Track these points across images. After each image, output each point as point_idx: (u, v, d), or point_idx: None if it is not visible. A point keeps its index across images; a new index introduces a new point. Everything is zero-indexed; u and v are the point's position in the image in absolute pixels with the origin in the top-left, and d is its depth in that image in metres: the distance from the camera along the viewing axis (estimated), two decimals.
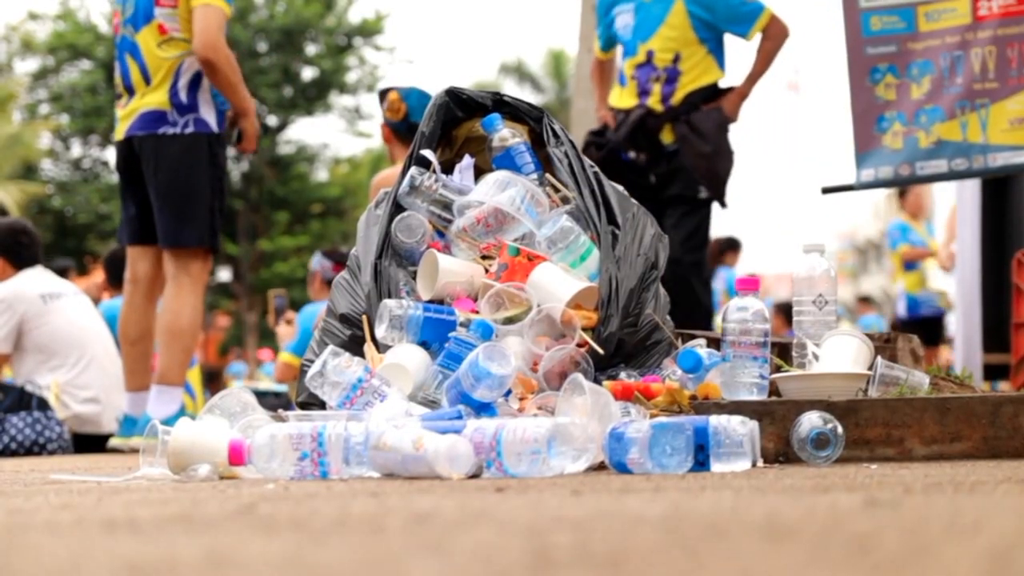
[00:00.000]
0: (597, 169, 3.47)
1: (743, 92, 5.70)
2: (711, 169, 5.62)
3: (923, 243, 9.94)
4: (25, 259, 6.31)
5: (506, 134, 3.46)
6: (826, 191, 5.34)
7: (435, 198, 3.39)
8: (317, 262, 8.49)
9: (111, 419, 5.98)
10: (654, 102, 5.67)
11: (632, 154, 5.71)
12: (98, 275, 8.14)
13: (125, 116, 5.45)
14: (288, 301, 8.32)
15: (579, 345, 3.06)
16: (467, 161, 3.52)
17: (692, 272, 5.65)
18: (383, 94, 5.57)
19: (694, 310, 5.52)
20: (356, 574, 1.17)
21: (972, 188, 6.46)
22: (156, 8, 5.31)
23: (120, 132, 5.49)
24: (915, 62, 4.77)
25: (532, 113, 3.55)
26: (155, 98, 5.35)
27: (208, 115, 5.35)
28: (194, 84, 5.33)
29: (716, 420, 2.54)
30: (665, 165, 5.68)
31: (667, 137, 5.66)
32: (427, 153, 3.46)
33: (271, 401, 7.83)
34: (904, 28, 4.79)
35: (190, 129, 5.32)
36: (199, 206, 5.34)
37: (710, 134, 5.62)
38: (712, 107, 5.65)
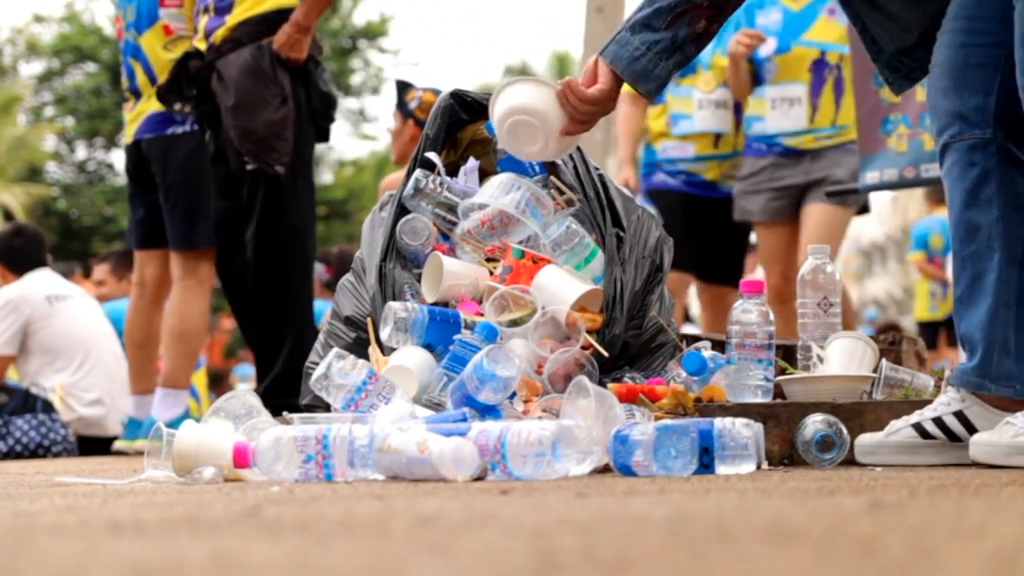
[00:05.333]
0: (602, 171, 3.47)
1: (298, 22, 4.60)
2: (240, 127, 4.59)
3: None
4: (23, 262, 6.31)
5: None
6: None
7: (440, 200, 3.39)
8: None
9: (116, 421, 5.99)
10: (199, 40, 4.74)
11: (177, 106, 4.84)
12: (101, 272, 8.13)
13: (133, 119, 5.46)
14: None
15: (584, 347, 3.06)
16: (471, 164, 3.52)
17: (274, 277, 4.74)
18: (406, 88, 5.56)
19: (277, 326, 4.79)
20: None
21: None
22: (161, 9, 5.31)
23: (128, 135, 5.50)
24: None
25: None
26: None
27: None
28: None
29: (721, 423, 2.54)
30: (218, 120, 4.77)
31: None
32: (432, 156, 3.46)
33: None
34: None
35: (198, 126, 5.33)
36: (208, 206, 5.35)
37: (233, 81, 4.58)
38: (264, 43, 4.65)
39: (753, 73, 5.50)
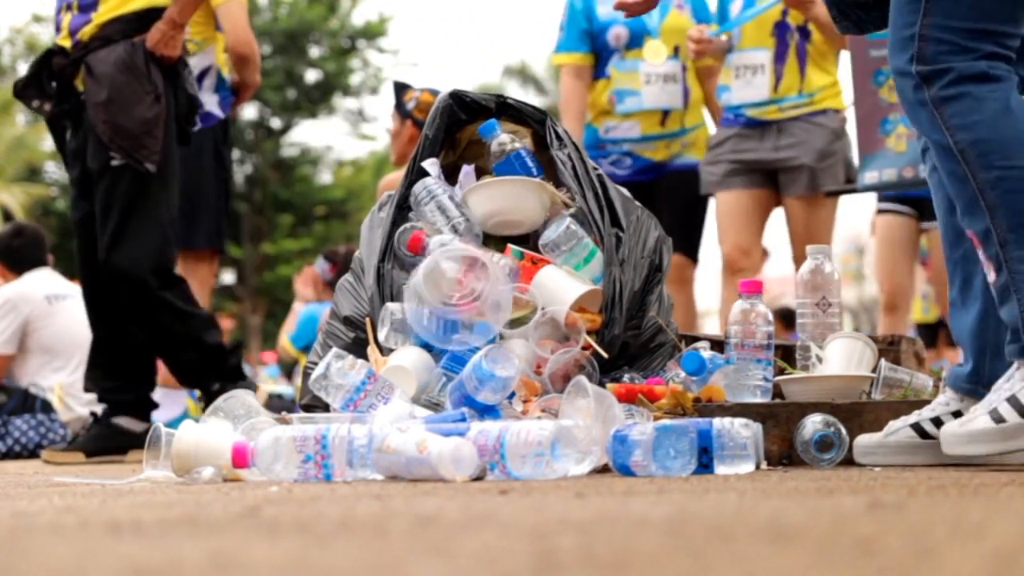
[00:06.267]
0: (601, 172, 3.47)
1: (172, 19, 4.54)
2: (111, 122, 4.47)
3: None
4: (23, 261, 6.31)
5: (505, 139, 3.46)
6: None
7: (437, 205, 3.38)
8: (318, 264, 8.53)
9: None
10: (63, 38, 4.64)
11: (36, 103, 4.68)
12: None
13: None
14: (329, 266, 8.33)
15: (583, 348, 3.06)
16: (466, 168, 3.52)
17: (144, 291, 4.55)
18: (403, 88, 5.55)
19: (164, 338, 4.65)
20: None
21: None
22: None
23: None
24: None
25: (535, 116, 3.55)
26: None
27: (212, 106, 5.35)
28: (198, 83, 5.33)
29: (720, 423, 2.54)
30: (80, 118, 4.63)
31: (81, 84, 4.61)
32: (428, 166, 3.45)
33: (275, 403, 7.84)
34: None
35: (197, 126, 5.33)
36: (207, 207, 5.35)
37: (106, 76, 4.50)
38: (137, 40, 4.55)
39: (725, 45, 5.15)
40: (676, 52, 5.36)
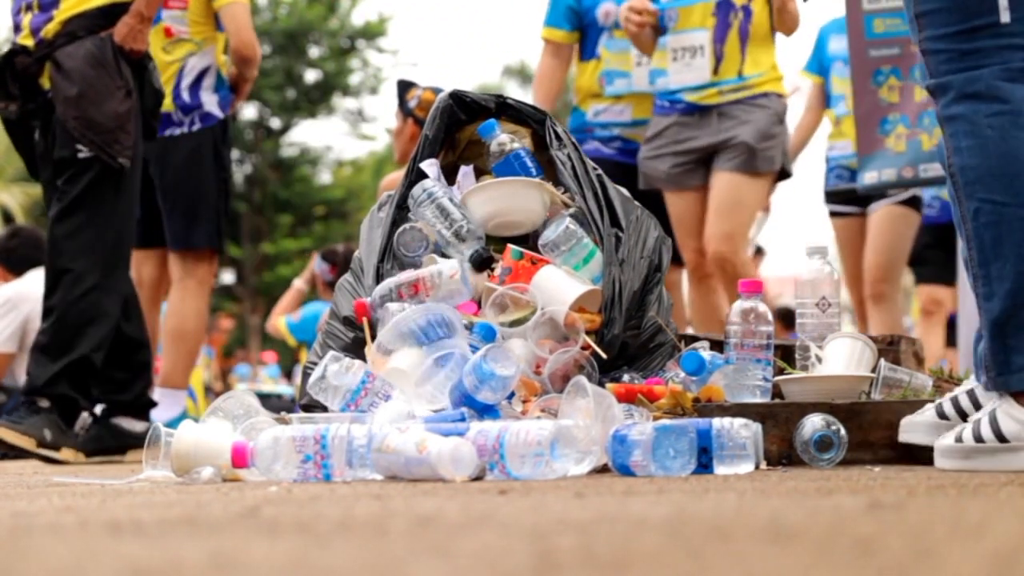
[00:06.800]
0: (600, 172, 3.47)
1: (140, 12, 4.50)
2: (83, 117, 4.41)
3: None
4: (21, 262, 6.32)
5: (504, 139, 3.46)
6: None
7: (437, 207, 3.37)
8: (317, 264, 8.52)
9: None
10: (24, 37, 4.58)
11: (0, 105, 4.60)
12: None
13: None
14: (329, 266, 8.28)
15: (582, 348, 3.06)
16: (465, 169, 3.52)
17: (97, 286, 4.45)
18: (407, 87, 5.54)
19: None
20: None
21: None
22: (164, 11, 5.31)
23: None
24: (918, 65, 4.75)
25: (535, 116, 3.55)
26: None
27: (212, 106, 5.35)
28: (197, 82, 5.33)
29: (719, 423, 2.54)
30: (49, 117, 4.54)
31: (47, 81, 4.53)
32: (427, 167, 3.45)
33: (274, 403, 7.86)
34: (908, 31, 4.77)
35: (197, 126, 5.33)
36: (206, 207, 5.35)
37: (76, 71, 4.43)
38: (104, 35, 4.48)
39: (656, 25, 4.88)
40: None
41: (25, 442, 4.33)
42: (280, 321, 9.02)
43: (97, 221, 4.48)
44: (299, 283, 9.24)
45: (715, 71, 4.84)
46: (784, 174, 5.02)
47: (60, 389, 4.43)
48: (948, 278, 6.43)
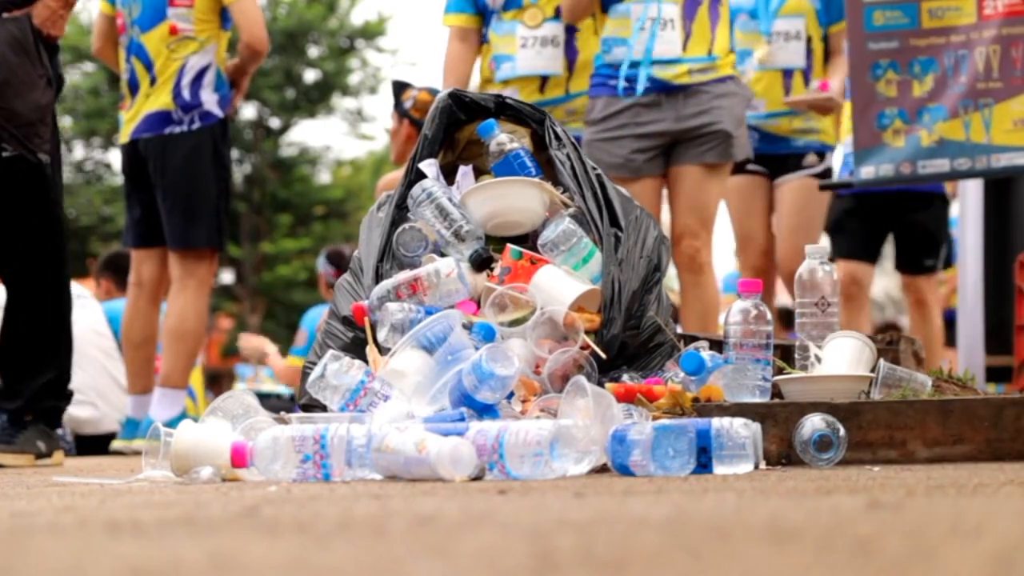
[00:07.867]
0: (600, 171, 3.47)
1: None
2: (5, 109, 4.05)
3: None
4: None
5: (504, 139, 3.46)
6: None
7: (437, 207, 3.37)
8: (321, 265, 8.49)
9: (112, 421, 5.98)
10: None
11: None
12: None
13: (130, 119, 5.46)
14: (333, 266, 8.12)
15: (582, 348, 3.06)
16: (464, 169, 3.52)
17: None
18: (402, 88, 5.54)
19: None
20: None
21: (975, 189, 6.46)
22: (169, 8, 5.31)
23: (125, 135, 5.49)
24: (917, 59, 4.73)
25: (534, 116, 3.56)
26: (159, 99, 5.35)
27: (212, 105, 5.36)
28: (197, 81, 5.33)
29: (718, 422, 2.54)
30: None
31: None
32: (426, 167, 3.45)
33: (274, 403, 7.83)
34: (907, 24, 4.75)
35: (196, 125, 5.33)
36: (206, 206, 5.35)
37: None
38: (19, 14, 4.13)
39: None
40: (557, 14, 4.92)
41: (24, 460, 4.22)
42: (288, 361, 8.52)
43: (38, 224, 4.21)
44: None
45: (684, 47, 4.57)
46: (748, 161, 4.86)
47: (44, 403, 4.34)
48: (869, 256, 6.03)
